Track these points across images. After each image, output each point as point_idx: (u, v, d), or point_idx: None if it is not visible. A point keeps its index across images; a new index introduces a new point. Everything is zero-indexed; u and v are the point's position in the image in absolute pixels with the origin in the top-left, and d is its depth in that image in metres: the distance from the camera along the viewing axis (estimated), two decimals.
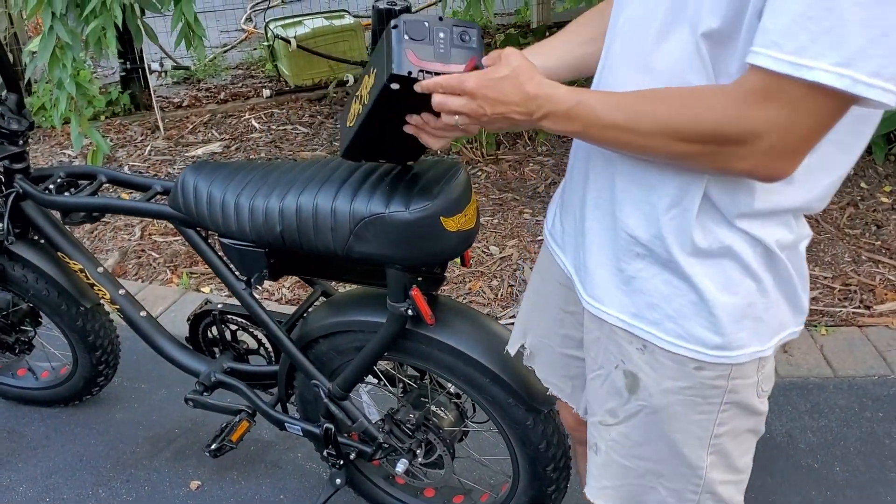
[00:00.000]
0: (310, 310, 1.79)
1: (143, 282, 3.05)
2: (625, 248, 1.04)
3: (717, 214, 0.96)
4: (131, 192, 2.01)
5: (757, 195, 0.94)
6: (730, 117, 0.84)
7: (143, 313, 1.97)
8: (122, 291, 1.96)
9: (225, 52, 5.68)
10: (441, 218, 1.38)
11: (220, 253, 1.67)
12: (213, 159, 3.94)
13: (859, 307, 2.65)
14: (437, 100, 0.99)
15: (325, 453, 1.77)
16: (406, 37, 1.01)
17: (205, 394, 1.92)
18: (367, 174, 1.48)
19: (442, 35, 1.03)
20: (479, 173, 3.61)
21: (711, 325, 0.99)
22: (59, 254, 1.95)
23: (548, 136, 3.74)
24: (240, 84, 5.04)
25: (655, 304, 1.02)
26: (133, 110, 4.58)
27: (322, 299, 1.83)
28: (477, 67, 1.02)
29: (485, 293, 2.81)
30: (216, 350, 1.99)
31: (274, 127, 4.30)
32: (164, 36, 4.28)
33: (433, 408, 1.71)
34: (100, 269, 1.96)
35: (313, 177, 1.51)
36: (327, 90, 4.67)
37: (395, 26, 1.02)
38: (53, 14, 2.46)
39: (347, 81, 4.75)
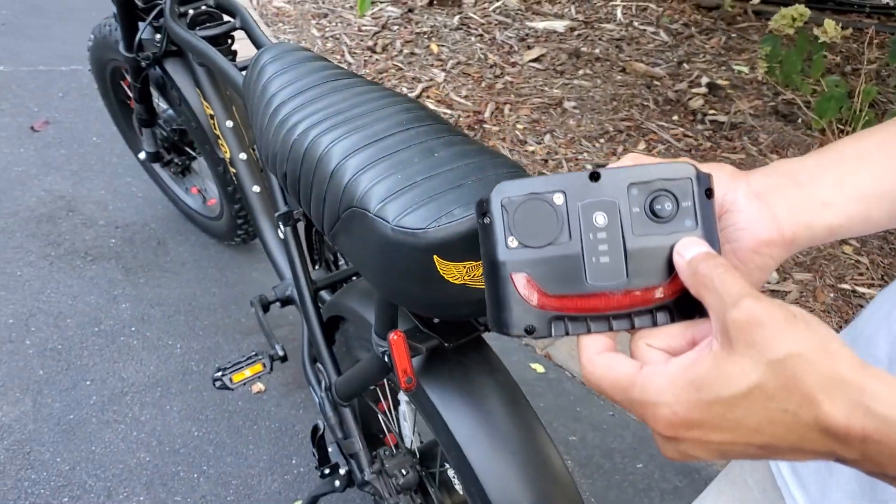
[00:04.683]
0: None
1: None
2: None
3: None
4: None
5: None
6: None
7: (256, 188, 1.69)
8: (243, 156, 1.69)
9: None
10: (435, 257, 0.84)
11: None
12: (534, 39, 3.47)
13: None
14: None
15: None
16: (511, 240, 0.46)
17: (274, 304, 1.61)
18: (427, 136, 0.97)
19: (601, 220, 0.46)
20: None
21: None
22: (198, 89, 1.71)
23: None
24: None
25: None
26: None
27: None
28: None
29: None
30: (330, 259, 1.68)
31: (636, 24, 3.66)
32: None
33: (437, 477, 1.23)
34: (229, 123, 1.68)
35: (361, 116, 1.03)
36: (724, 2, 3.85)
37: (485, 208, 0.47)
38: None
39: None
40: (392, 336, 0.95)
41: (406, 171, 0.90)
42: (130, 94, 1.97)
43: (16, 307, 2.01)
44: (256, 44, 1.49)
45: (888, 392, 0.38)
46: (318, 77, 1.14)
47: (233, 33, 1.56)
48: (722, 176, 0.51)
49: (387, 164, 0.92)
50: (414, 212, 0.84)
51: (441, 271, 0.84)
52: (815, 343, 0.39)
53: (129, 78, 1.87)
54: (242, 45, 1.54)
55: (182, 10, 1.56)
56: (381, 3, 3.74)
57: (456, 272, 0.85)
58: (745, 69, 3.33)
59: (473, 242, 0.85)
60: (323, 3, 3.71)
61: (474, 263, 0.85)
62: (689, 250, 0.46)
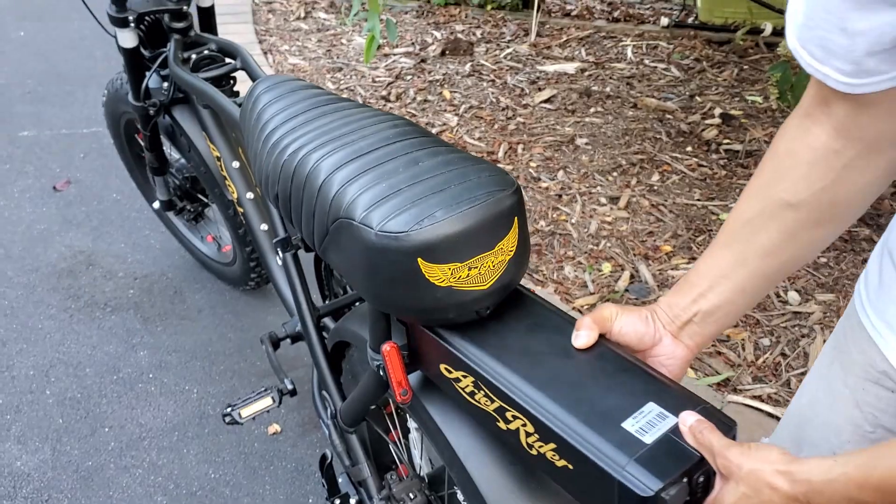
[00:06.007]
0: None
1: None
2: None
3: None
4: None
5: None
6: None
7: (263, 226, 1.70)
8: (250, 195, 1.71)
9: None
10: (420, 260, 0.84)
11: None
12: (545, 81, 3.50)
13: None
14: None
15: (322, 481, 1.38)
16: None
17: (284, 341, 1.61)
18: (412, 148, 0.98)
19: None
20: None
21: None
22: (204, 133, 1.75)
23: None
24: (648, 5, 4.44)
25: None
26: (521, 7, 4.28)
27: None
28: None
29: (743, 348, 2.06)
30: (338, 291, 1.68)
31: (647, 62, 3.69)
32: None
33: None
34: (235, 164, 1.71)
35: (349, 134, 1.04)
36: (735, 36, 3.87)
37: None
38: None
39: (763, 30, 3.88)
40: (385, 347, 0.94)
41: (390, 180, 0.91)
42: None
43: (36, 359, 2.03)
44: (254, 79, 1.53)
45: (806, 467, 0.62)
46: (309, 102, 1.16)
47: (234, 74, 1.60)
48: (644, 321, 0.83)
49: (372, 176, 0.93)
50: (397, 216, 0.84)
51: (426, 274, 0.84)
52: (762, 460, 0.64)
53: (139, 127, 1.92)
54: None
55: (185, 55, 1.61)
56: (393, 55, 3.81)
57: (441, 274, 0.85)
58: (759, 99, 3.33)
59: (457, 244, 0.85)
60: (337, 57, 3.80)
61: (459, 265, 0.84)
62: (689, 421, 0.71)
